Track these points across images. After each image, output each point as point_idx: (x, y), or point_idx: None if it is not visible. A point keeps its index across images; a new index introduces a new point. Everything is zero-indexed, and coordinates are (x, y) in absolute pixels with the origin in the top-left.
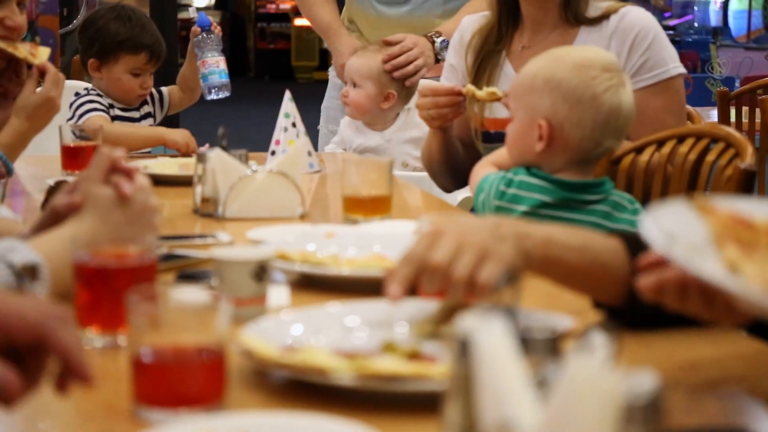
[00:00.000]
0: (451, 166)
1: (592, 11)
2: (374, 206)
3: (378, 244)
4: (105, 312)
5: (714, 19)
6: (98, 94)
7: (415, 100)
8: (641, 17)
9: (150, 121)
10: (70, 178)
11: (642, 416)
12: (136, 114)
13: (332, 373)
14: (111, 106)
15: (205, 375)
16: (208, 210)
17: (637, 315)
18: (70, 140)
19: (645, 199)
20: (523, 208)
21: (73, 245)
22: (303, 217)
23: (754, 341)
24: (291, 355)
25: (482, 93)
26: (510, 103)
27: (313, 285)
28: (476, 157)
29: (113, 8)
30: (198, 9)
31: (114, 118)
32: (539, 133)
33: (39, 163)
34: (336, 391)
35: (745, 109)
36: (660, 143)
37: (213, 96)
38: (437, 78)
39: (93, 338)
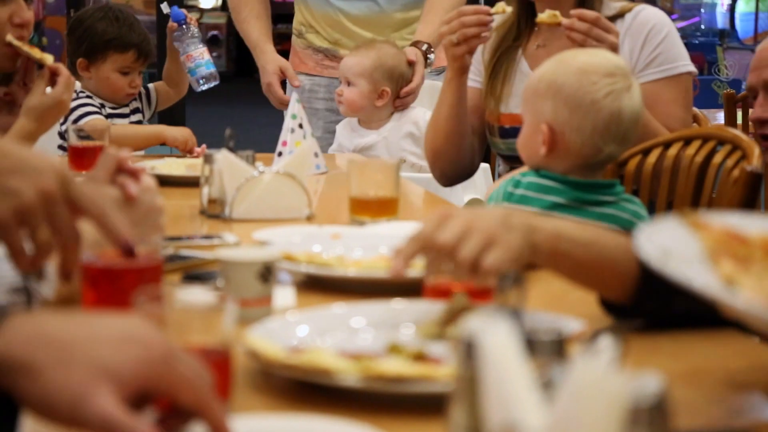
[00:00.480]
0: (456, 143)
1: (606, 11)
2: (381, 208)
3: (384, 246)
4: (111, 312)
5: (721, 21)
6: (88, 96)
7: (409, 99)
8: (655, 14)
9: (138, 116)
10: (78, 179)
11: (648, 418)
12: (125, 110)
13: (338, 374)
14: (102, 105)
15: (211, 376)
16: (215, 211)
17: (644, 312)
18: (77, 141)
19: (651, 202)
20: (534, 210)
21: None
22: (309, 219)
23: (764, 346)
24: (296, 356)
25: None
26: (521, 105)
27: (319, 286)
28: (482, 149)
29: (101, 8)
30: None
31: (106, 117)
32: (543, 137)
33: None
34: (341, 392)
35: (751, 111)
36: (666, 145)
37: (203, 87)
38: (438, 72)
39: None
